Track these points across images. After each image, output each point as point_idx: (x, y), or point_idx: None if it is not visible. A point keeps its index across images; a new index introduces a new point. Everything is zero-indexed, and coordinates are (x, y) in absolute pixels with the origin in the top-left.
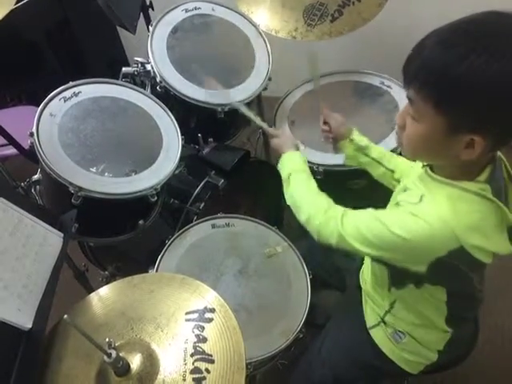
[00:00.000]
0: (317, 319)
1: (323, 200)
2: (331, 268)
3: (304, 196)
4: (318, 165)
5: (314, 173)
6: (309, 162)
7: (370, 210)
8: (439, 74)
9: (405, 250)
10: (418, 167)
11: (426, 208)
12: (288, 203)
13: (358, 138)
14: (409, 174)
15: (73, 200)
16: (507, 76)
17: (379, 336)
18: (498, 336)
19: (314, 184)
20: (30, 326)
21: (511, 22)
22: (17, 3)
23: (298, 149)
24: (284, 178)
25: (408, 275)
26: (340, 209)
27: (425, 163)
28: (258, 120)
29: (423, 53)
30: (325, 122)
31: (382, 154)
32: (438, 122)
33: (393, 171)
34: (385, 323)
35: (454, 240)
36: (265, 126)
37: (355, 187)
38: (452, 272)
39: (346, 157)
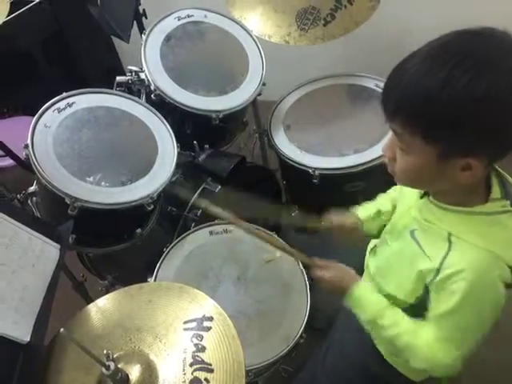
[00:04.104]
0: (318, 323)
1: (423, 335)
2: None
3: (408, 341)
4: (315, 169)
5: (310, 177)
6: (304, 165)
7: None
8: (422, 104)
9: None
10: (410, 192)
11: (461, 256)
12: (388, 350)
13: (364, 211)
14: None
15: (69, 211)
16: (493, 94)
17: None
18: (497, 336)
19: (404, 318)
20: (27, 339)
21: (487, 40)
22: (9, 15)
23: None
24: (367, 320)
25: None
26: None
27: (422, 191)
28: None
29: (401, 86)
30: None
31: (380, 204)
32: (428, 152)
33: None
34: None
35: (502, 264)
36: (304, 258)
37: (353, 190)
38: None
39: (374, 231)
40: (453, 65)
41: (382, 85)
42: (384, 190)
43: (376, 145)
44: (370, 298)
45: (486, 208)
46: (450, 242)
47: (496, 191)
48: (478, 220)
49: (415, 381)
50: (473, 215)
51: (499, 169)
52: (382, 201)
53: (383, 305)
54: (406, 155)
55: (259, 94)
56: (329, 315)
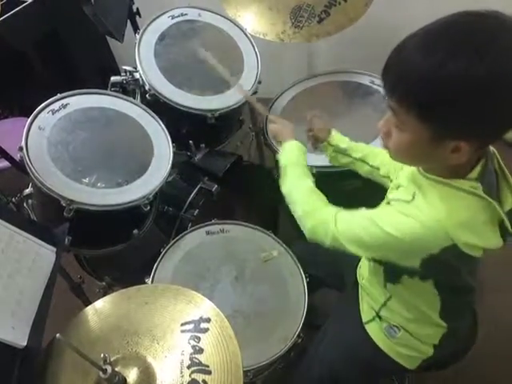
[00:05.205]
0: (316, 320)
1: (317, 199)
2: (330, 266)
3: (299, 192)
4: (311, 166)
5: None
6: None
7: (362, 211)
8: (419, 83)
9: (398, 248)
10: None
11: (418, 207)
12: (283, 192)
13: (338, 140)
14: (399, 168)
15: (65, 213)
16: (491, 76)
17: (374, 331)
18: (497, 332)
19: (310, 181)
20: (24, 343)
21: (487, 21)
22: (2, 16)
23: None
24: (281, 166)
25: (401, 268)
26: (333, 210)
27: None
28: (258, 105)
29: (401, 62)
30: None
31: (366, 153)
32: (422, 131)
33: (378, 168)
34: (379, 317)
35: (447, 238)
36: (264, 111)
37: (349, 188)
38: (443, 266)
39: (329, 157)
40: (452, 45)
41: (377, 81)
42: (381, 189)
43: (372, 142)
44: (295, 152)
45: (457, 183)
46: (413, 197)
47: (475, 172)
48: (445, 190)
49: (409, 368)
50: (445, 186)
51: (495, 151)
52: (364, 148)
53: (303, 162)
54: (401, 132)
55: (255, 92)
56: (327, 312)
